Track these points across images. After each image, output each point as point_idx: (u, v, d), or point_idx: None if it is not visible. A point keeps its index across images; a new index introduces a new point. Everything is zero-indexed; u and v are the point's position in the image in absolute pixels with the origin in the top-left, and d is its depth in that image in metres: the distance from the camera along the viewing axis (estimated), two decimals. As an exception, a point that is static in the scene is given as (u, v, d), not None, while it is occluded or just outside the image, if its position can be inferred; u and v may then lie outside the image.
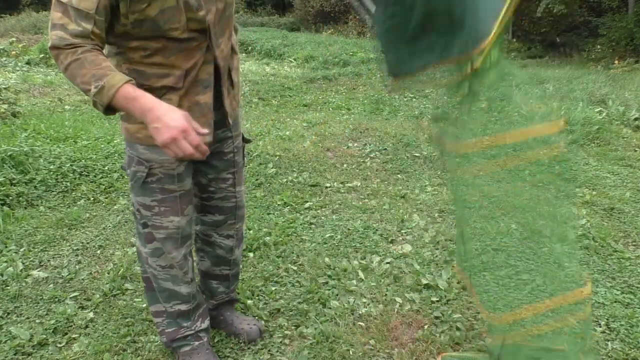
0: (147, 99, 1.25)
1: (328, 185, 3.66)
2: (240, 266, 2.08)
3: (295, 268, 2.51)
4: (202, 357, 1.77)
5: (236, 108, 1.70)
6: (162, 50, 1.40)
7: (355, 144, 4.63)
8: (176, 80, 1.44)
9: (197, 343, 1.79)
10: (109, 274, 2.46)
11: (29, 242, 2.79)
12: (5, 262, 2.56)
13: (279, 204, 3.31)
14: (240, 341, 1.94)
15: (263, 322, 2.06)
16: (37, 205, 3.26)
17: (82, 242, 2.81)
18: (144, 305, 2.19)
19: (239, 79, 1.70)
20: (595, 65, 11.18)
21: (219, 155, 1.70)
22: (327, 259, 2.58)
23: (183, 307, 1.73)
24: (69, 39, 1.25)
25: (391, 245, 2.78)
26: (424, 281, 2.38)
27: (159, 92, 1.41)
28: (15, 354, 1.91)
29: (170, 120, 1.21)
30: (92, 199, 3.39)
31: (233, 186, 1.78)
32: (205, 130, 1.30)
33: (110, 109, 1.28)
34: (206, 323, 1.83)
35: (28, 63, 9.06)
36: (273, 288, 2.33)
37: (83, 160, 3.79)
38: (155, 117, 1.23)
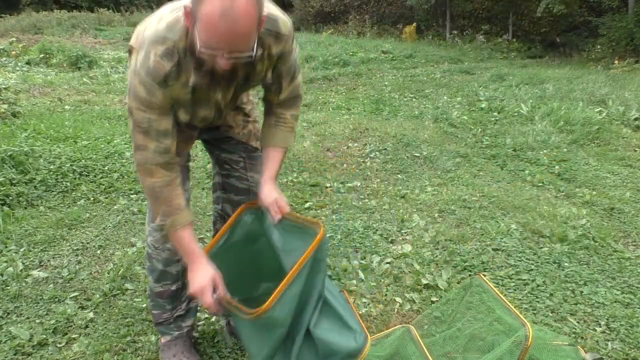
0: (189, 256, 1.51)
1: (328, 185, 3.66)
2: None
3: (295, 268, 2.51)
4: (179, 349, 1.83)
5: (253, 131, 1.85)
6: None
7: (355, 144, 4.63)
8: None
9: (176, 333, 1.84)
10: (109, 274, 2.46)
11: (29, 242, 2.79)
12: (5, 262, 2.56)
13: (279, 204, 3.31)
14: None
15: None
16: (37, 205, 3.26)
17: (82, 242, 2.81)
18: (144, 305, 2.19)
19: (255, 117, 1.86)
20: (595, 65, 11.17)
21: (227, 140, 1.81)
22: (327, 259, 2.58)
23: (173, 286, 1.78)
24: (153, 158, 1.46)
25: (391, 245, 2.78)
26: (424, 281, 2.38)
27: None
28: (15, 354, 1.91)
29: (195, 282, 1.47)
30: (92, 199, 3.39)
31: (245, 169, 1.84)
32: (220, 292, 1.47)
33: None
34: (192, 306, 1.87)
35: (28, 63, 9.07)
36: (273, 288, 2.32)
37: (83, 160, 3.79)
38: (189, 271, 1.51)
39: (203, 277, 1.46)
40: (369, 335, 1.51)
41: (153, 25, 1.40)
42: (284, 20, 1.47)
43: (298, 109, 1.71)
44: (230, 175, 1.85)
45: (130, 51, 1.47)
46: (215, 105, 1.55)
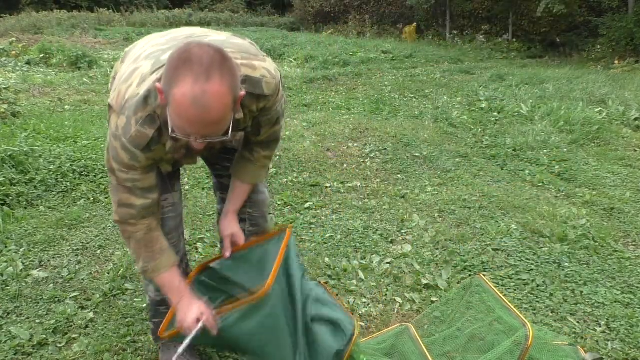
0: (175, 294, 1.49)
1: (328, 185, 3.66)
2: None
3: (295, 268, 2.51)
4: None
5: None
6: None
7: (355, 144, 4.63)
8: None
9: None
10: (109, 274, 2.46)
11: (29, 242, 2.79)
12: (5, 262, 2.56)
13: (279, 204, 3.31)
14: None
15: None
16: (37, 205, 3.26)
17: (82, 242, 2.81)
18: (144, 305, 2.19)
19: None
20: (595, 65, 11.17)
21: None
22: (327, 259, 2.58)
23: None
24: (139, 214, 1.45)
25: (391, 245, 2.78)
26: (424, 281, 2.38)
27: None
28: (15, 354, 1.91)
29: (188, 317, 1.43)
30: (92, 199, 3.39)
31: None
32: (207, 318, 1.44)
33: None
34: None
35: (28, 63, 9.06)
36: (273, 288, 2.32)
37: (83, 160, 3.79)
38: (179, 308, 1.48)
39: (186, 316, 1.44)
40: (355, 320, 1.62)
41: (133, 87, 1.33)
42: (269, 79, 1.38)
43: (273, 151, 1.69)
44: (223, 175, 1.83)
45: (110, 108, 1.40)
46: (200, 157, 1.59)
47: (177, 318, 1.47)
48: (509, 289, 2.36)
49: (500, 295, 1.71)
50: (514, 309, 1.64)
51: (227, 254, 1.62)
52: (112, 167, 1.40)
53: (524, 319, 1.55)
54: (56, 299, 2.27)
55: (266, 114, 1.49)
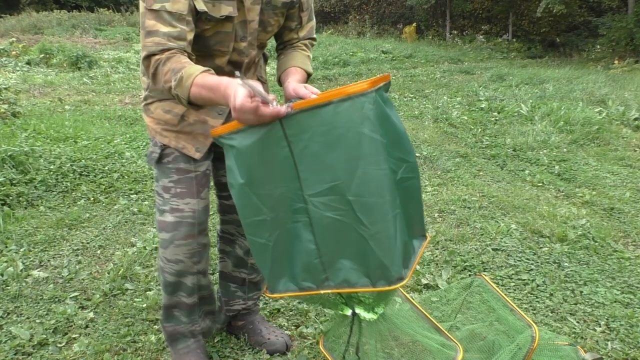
0: (218, 87, 1.20)
1: (328, 185, 3.66)
2: (260, 276, 1.95)
3: (295, 268, 2.51)
4: (194, 358, 1.74)
5: None
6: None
7: (355, 144, 4.63)
8: None
9: (193, 341, 1.76)
10: (109, 274, 2.46)
11: (29, 242, 2.79)
12: (6, 262, 2.56)
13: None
14: (265, 350, 1.89)
15: (290, 336, 1.99)
16: (37, 205, 3.26)
17: (82, 242, 2.81)
18: (144, 305, 2.19)
19: (266, 77, 1.74)
20: (595, 65, 11.18)
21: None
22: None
23: (188, 300, 1.68)
24: (166, 43, 1.30)
25: (391, 245, 2.78)
26: (424, 281, 2.38)
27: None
28: (15, 354, 1.91)
29: (240, 114, 1.12)
30: (92, 199, 3.40)
31: None
32: (271, 96, 1.14)
33: (192, 103, 1.29)
34: (207, 324, 1.82)
35: (28, 63, 9.07)
36: (273, 288, 2.32)
37: (83, 160, 3.79)
38: (229, 95, 1.16)
39: (241, 90, 1.11)
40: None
41: None
42: None
43: (311, 52, 1.65)
44: (222, 195, 1.76)
45: None
46: (239, 10, 1.41)
47: (235, 100, 1.10)
48: (508, 289, 2.36)
49: (504, 295, 1.71)
50: (518, 309, 1.65)
51: (314, 96, 1.26)
52: None
53: (530, 320, 1.55)
54: (56, 299, 2.27)
55: None
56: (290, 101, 1.13)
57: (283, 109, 1.10)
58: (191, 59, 1.33)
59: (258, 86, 1.11)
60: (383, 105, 1.14)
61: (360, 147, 1.09)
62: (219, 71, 1.45)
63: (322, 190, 1.14)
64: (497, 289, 1.70)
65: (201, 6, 1.35)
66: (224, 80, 1.20)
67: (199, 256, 1.62)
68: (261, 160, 1.16)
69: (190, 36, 1.34)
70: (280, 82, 1.57)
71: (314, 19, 1.64)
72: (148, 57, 1.32)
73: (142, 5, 1.33)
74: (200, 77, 1.23)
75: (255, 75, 1.67)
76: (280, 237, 1.22)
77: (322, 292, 1.22)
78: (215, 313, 1.86)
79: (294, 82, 1.45)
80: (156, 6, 1.30)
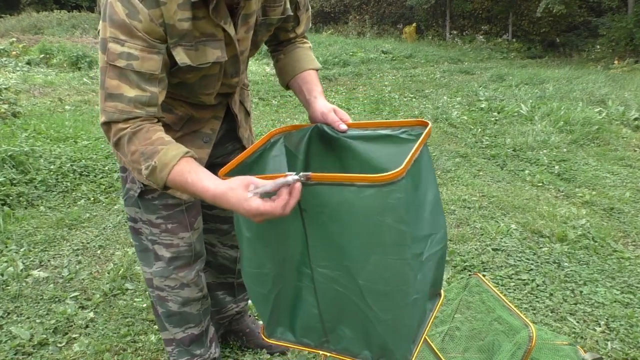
0: (207, 184, 1.02)
1: (328, 185, 3.66)
2: None
3: (295, 268, 2.51)
4: None
5: (251, 136, 1.59)
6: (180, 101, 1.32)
7: (355, 144, 4.63)
8: (175, 120, 1.34)
9: None
10: (109, 273, 2.46)
11: (29, 242, 2.79)
12: (6, 262, 2.57)
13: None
14: (265, 350, 1.90)
15: None
16: (38, 205, 3.26)
17: (83, 242, 2.81)
18: (144, 305, 2.19)
19: (251, 109, 1.61)
20: (595, 66, 11.18)
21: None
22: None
23: (195, 330, 1.59)
24: (132, 111, 1.07)
25: (391, 245, 2.78)
26: (424, 281, 2.38)
27: None
28: (15, 354, 1.91)
29: (245, 212, 0.98)
30: (92, 199, 3.40)
31: None
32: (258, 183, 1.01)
33: (168, 188, 1.10)
34: (218, 350, 1.72)
35: (28, 63, 9.07)
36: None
37: (83, 160, 3.79)
38: (229, 206, 1.00)
39: (249, 207, 0.96)
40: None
41: None
42: None
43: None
44: (215, 207, 1.48)
45: None
46: (228, 45, 1.21)
47: (238, 212, 1.01)
48: (508, 289, 2.36)
49: (500, 294, 1.71)
50: (515, 308, 1.65)
51: (343, 126, 1.25)
52: (103, 39, 1.06)
53: (526, 320, 1.56)
54: (56, 299, 2.27)
55: None
56: (307, 172, 0.96)
57: (297, 188, 0.94)
58: (161, 120, 1.15)
59: (261, 186, 0.95)
60: (419, 178, 1.03)
61: (379, 236, 0.96)
62: (205, 108, 1.35)
63: (331, 265, 1.03)
64: (493, 288, 1.70)
65: (183, 59, 1.13)
66: (210, 190, 1.01)
67: (201, 282, 1.55)
68: (270, 222, 1.01)
69: (162, 97, 1.12)
70: (288, 86, 1.45)
71: (310, 8, 1.48)
72: (108, 124, 1.09)
73: (101, 57, 1.07)
74: (178, 172, 1.04)
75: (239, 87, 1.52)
76: (282, 292, 1.14)
77: (320, 352, 1.16)
78: (215, 333, 1.78)
79: (321, 102, 1.29)
80: (121, 63, 1.04)
